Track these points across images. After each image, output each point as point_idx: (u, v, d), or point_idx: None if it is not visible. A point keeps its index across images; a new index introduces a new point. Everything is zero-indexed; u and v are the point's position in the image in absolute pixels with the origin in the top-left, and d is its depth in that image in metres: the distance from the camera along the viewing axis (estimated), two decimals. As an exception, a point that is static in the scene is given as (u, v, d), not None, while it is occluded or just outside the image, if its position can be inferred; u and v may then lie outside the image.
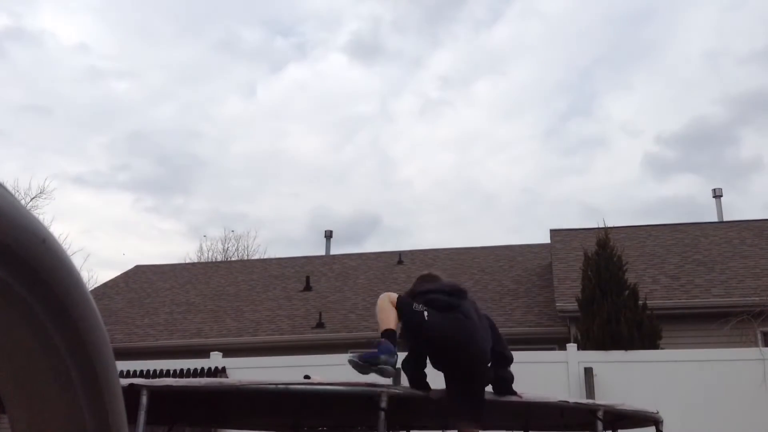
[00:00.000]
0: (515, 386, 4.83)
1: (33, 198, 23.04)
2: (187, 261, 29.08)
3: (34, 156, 35.29)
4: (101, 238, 39.85)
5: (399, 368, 4.69)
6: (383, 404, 4.22)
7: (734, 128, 36.52)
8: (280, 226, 44.42)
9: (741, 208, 37.46)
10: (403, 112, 39.36)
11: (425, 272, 5.01)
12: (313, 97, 39.32)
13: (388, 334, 4.23)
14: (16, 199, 0.61)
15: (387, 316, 4.28)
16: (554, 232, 16.56)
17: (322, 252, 21.59)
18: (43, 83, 35.33)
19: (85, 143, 39.37)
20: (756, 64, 31.83)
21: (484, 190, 41.33)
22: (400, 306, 4.32)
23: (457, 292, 4.59)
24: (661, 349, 10.44)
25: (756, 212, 44.27)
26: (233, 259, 31.21)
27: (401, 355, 4.45)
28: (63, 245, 0.70)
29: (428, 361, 4.51)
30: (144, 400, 4.14)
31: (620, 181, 39.10)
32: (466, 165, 40.21)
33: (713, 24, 32.37)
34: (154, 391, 4.24)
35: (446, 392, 4.45)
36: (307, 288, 17.12)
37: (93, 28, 35.54)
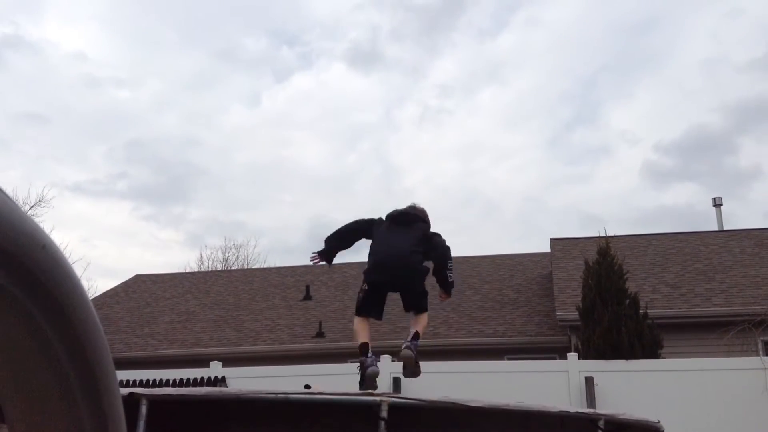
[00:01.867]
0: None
1: (32, 207, 23.08)
2: (187, 270, 29.07)
3: (33, 164, 35.30)
4: (100, 247, 39.84)
5: (399, 377, 4.78)
6: (383, 413, 4.21)
7: (733, 137, 36.59)
8: (279, 235, 44.45)
9: (741, 216, 37.50)
10: (407, 121, 39.44)
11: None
12: (317, 105, 39.40)
13: (361, 349, 5.34)
14: (16, 204, 0.61)
15: (355, 333, 5.54)
16: (554, 241, 16.55)
17: (322, 261, 21.54)
18: (43, 91, 35.40)
19: (85, 152, 39.43)
20: (755, 72, 31.90)
21: (486, 199, 41.37)
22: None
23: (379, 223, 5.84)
24: (662, 358, 10.42)
25: (756, 221, 44.25)
26: (233, 268, 31.20)
27: None
28: (63, 251, 0.70)
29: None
30: (143, 409, 4.13)
31: (620, 190, 39.16)
32: (469, 174, 40.26)
33: (712, 32, 32.48)
34: (153, 401, 4.22)
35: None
36: (307, 297, 17.10)
37: (94, 37, 35.65)
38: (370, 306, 5.54)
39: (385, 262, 5.59)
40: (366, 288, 5.59)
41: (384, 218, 5.91)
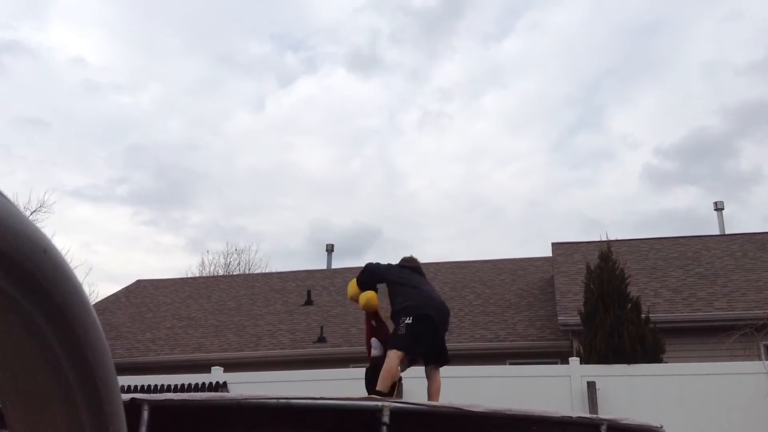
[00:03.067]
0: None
1: (33, 212, 23.10)
2: (189, 275, 29.08)
3: (34, 169, 35.26)
4: (101, 252, 39.83)
5: (402, 383, 4.77)
6: (385, 419, 4.21)
7: (733, 140, 36.55)
8: (280, 239, 44.45)
9: (741, 219, 37.39)
10: (411, 126, 39.40)
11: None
12: (320, 110, 39.30)
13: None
14: (17, 208, 0.61)
15: (390, 373, 5.38)
16: (556, 246, 16.54)
17: (321, 265, 21.58)
18: (44, 96, 35.38)
19: (85, 157, 39.42)
20: (755, 75, 31.90)
21: (490, 203, 41.35)
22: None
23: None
24: (664, 362, 10.40)
25: (757, 224, 44.19)
26: (235, 273, 31.20)
27: None
28: (64, 256, 0.70)
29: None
30: (145, 415, 4.13)
31: (621, 194, 39.15)
32: (473, 178, 40.23)
33: (712, 35, 32.50)
34: (155, 406, 4.22)
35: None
36: (309, 302, 17.08)
37: (96, 42, 35.65)
38: (419, 340, 5.44)
39: (434, 302, 5.72)
40: (410, 321, 5.44)
41: (396, 265, 6.04)
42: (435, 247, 41.79)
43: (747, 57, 34.19)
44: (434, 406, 4.51)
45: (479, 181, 40.25)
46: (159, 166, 41.01)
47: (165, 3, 34.98)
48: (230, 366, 12.15)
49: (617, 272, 11.36)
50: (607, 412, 8.33)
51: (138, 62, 36.46)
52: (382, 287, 5.95)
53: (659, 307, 12.75)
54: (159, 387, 10.66)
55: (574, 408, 9.09)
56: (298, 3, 36.63)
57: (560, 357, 12.60)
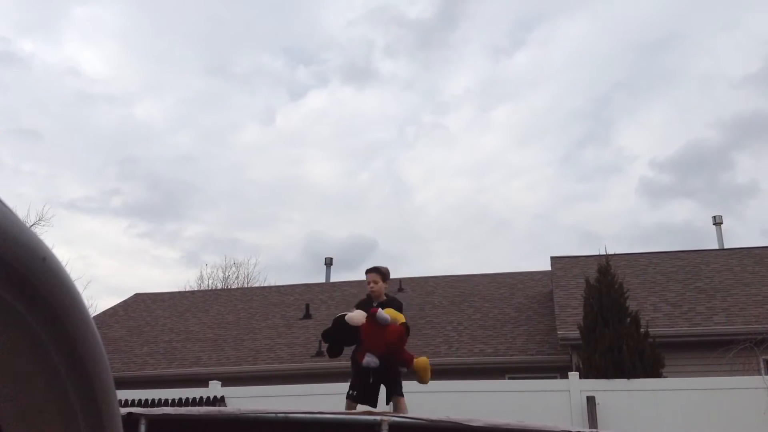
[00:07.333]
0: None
1: (32, 225, 23.11)
2: (187, 289, 29.03)
3: (30, 182, 35.22)
4: (98, 265, 39.75)
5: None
6: (384, 433, 4.19)
7: (729, 153, 36.64)
8: (277, 253, 44.41)
9: (738, 233, 37.46)
10: (419, 139, 39.45)
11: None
12: (330, 124, 39.34)
13: None
14: (17, 216, 0.61)
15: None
16: (555, 260, 16.53)
17: (319, 278, 21.55)
18: (38, 108, 35.36)
19: (80, 169, 39.39)
20: (750, 87, 32.02)
21: (497, 216, 41.35)
22: None
23: None
24: (664, 377, 10.36)
25: (754, 237, 44.20)
26: (234, 286, 31.14)
27: None
28: (63, 265, 0.70)
29: None
30: (142, 429, 4.11)
31: (619, 207, 39.20)
32: (479, 191, 40.27)
33: (708, 48, 32.65)
34: (152, 420, 4.20)
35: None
36: (307, 316, 17.04)
37: (114, 56, 35.62)
38: None
39: None
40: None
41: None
42: (439, 260, 41.74)
43: (742, 69, 34.36)
44: (433, 420, 4.49)
45: (486, 195, 40.32)
46: (155, 178, 41.04)
47: (172, 17, 35.13)
48: (228, 380, 12.10)
49: (616, 286, 11.35)
50: (606, 426, 8.30)
51: (145, 75, 36.56)
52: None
53: (658, 321, 12.73)
54: (156, 401, 10.60)
55: (573, 423, 9.05)
56: (309, 17, 36.85)
57: (559, 371, 12.56)
